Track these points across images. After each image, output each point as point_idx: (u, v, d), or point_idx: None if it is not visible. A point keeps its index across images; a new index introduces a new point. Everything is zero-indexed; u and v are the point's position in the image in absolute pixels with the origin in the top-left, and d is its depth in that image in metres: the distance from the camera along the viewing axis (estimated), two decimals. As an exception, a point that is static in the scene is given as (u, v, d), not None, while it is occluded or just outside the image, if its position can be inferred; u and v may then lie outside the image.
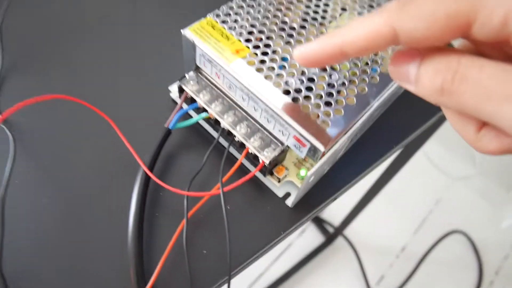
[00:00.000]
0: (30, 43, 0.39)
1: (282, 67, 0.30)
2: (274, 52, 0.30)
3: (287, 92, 0.29)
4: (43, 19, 0.41)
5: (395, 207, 1.12)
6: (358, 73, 0.31)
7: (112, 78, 0.37)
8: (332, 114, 0.28)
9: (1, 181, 0.27)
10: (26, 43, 0.39)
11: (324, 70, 0.30)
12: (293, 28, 0.32)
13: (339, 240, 1.06)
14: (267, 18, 0.32)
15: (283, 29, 0.32)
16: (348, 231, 1.06)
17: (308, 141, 0.27)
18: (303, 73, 0.30)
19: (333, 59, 0.19)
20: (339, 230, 1.03)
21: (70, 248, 0.29)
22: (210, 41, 0.30)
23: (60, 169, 0.32)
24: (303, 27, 0.32)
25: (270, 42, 0.31)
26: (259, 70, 0.29)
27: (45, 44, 0.39)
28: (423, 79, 0.17)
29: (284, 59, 0.30)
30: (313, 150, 0.28)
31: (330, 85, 0.30)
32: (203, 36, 0.31)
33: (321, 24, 0.33)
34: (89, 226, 0.30)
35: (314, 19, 0.33)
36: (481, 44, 0.17)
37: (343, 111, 0.28)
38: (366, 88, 0.30)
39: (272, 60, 0.30)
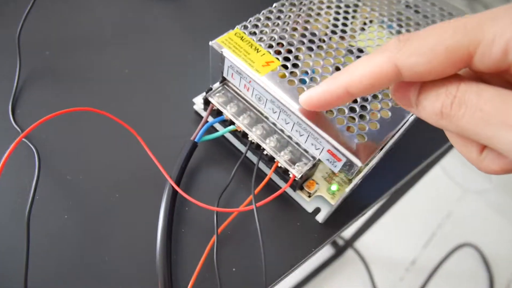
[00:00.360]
0: (48, 54, 0.38)
1: (313, 79, 0.29)
2: (304, 64, 0.30)
3: (320, 105, 0.28)
4: (61, 29, 0.40)
5: (405, 219, 1.11)
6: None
7: (134, 90, 0.37)
8: (367, 128, 0.27)
9: (26, 198, 0.26)
10: (44, 54, 0.38)
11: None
12: (323, 40, 0.32)
13: (349, 253, 1.05)
14: (296, 30, 0.32)
15: (312, 41, 0.31)
16: (359, 244, 1.05)
17: (344, 155, 0.26)
18: (335, 85, 0.29)
19: (339, 100, 0.20)
20: (350, 243, 1.01)
21: (94, 267, 0.28)
22: (240, 53, 0.30)
23: (83, 184, 0.31)
24: (331, 38, 0.32)
25: (300, 54, 0.30)
26: (290, 82, 0.29)
27: (64, 55, 0.38)
28: (424, 103, 0.17)
29: (314, 71, 0.29)
30: (348, 165, 0.27)
31: (363, 98, 0.29)
32: (232, 48, 0.30)
33: (351, 36, 0.32)
34: (113, 243, 0.29)
35: (343, 31, 0.32)
36: (482, 72, 0.17)
37: (378, 125, 0.28)
38: (400, 101, 0.29)
39: (302, 72, 0.29)
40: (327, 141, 0.27)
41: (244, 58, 0.29)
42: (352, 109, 0.28)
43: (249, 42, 0.30)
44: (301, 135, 0.29)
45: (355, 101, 0.28)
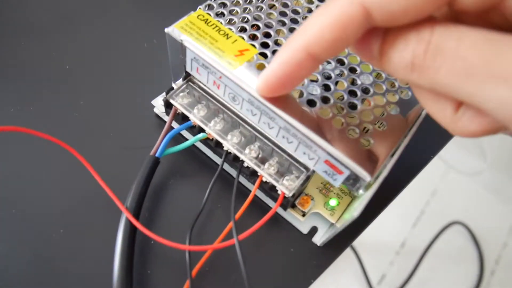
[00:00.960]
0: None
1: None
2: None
3: (311, 103, 0.22)
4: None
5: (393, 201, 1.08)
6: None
7: (77, 92, 0.30)
8: (372, 129, 0.21)
9: None
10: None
11: (352, 71, 0.24)
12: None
13: (337, 241, 1.01)
14: (273, 7, 0.25)
15: (294, 20, 0.25)
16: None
17: (346, 167, 0.21)
18: (328, 77, 0.23)
19: (302, 69, 0.16)
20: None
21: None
22: (205, 41, 0.23)
23: (17, 220, 0.24)
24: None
25: (281, 38, 0.24)
26: (272, 75, 0.22)
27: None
28: (390, 53, 0.14)
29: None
30: (353, 179, 0.21)
31: (363, 90, 0.23)
32: (195, 35, 0.23)
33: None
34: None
35: None
36: (464, 13, 0.14)
37: (386, 124, 0.22)
38: (410, 93, 0.23)
39: (287, 61, 0.23)
40: (324, 150, 0.21)
41: (210, 47, 0.23)
42: (352, 106, 0.22)
43: (216, 26, 0.24)
44: (289, 142, 0.23)
45: (354, 95, 0.23)
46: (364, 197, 0.21)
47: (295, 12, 0.25)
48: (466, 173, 1.18)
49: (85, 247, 0.24)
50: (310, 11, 0.26)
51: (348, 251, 1.00)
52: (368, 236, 1.03)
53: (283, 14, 0.25)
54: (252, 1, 0.25)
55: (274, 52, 0.23)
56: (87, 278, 0.23)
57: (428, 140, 0.30)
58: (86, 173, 0.23)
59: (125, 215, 0.22)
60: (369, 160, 0.20)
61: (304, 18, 0.25)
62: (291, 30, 0.25)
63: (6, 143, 0.26)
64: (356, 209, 0.21)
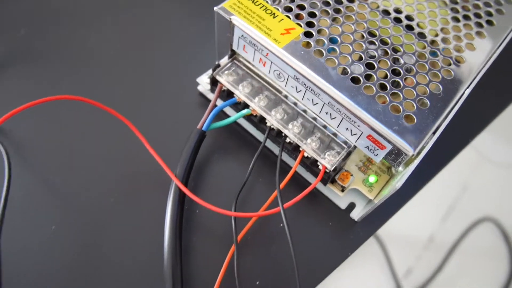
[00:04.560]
0: (23, 33, 0.32)
1: (344, 49, 0.23)
2: (332, 30, 0.24)
3: (356, 80, 0.22)
4: (37, 5, 0.34)
5: (420, 193, 1.06)
6: (438, 54, 0.24)
7: (126, 71, 0.31)
8: (416, 107, 0.22)
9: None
10: (18, 33, 0.32)
11: (395, 51, 0.24)
12: (351, 0, 0.26)
13: (363, 233, 1.01)
14: (318, -12, 0.26)
15: (339, 1, 0.26)
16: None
17: (389, 142, 0.21)
18: (372, 56, 0.24)
19: None
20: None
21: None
22: (253, 20, 0.24)
23: (69, 188, 0.26)
24: (364, -3, 0.26)
25: (327, 18, 0.25)
26: (317, 53, 0.23)
27: (41, 34, 0.32)
28: None
29: (343, 38, 0.24)
30: (395, 154, 0.22)
31: (406, 69, 0.23)
32: (243, 13, 0.24)
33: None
34: (111, 256, 0.24)
35: None
36: None
37: (428, 102, 0.22)
38: (453, 72, 0.24)
39: (331, 40, 0.24)
40: (368, 125, 0.21)
41: (258, 26, 0.24)
42: (395, 84, 0.23)
43: (262, 6, 0.25)
44: (332, 118, 0.23)
45: (397, 73, 0.23)
46: (407, 170, 0.22)
47: (340, -7, 0.26)
48: (502, 165, 1.14)
49: (135, 215, 0.25)
50: (354, -8, 0.26)
51: (373, 243, 1.00)
52: (394, 228, 1.03)
53: (327, -5, 0.26)
54: (298, -18, 0.26)
55: (319, 31, 0.24)
56: (138, 244, 0.24)
57: (461, 126, 0.30)
58: (138, 144, 0.25)
59: (175, 182, 0.23)
60: (412, 136, 0.21)
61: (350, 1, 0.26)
62: (336, 10, 0.25)
63: (63, 111, 0.28)
64: (399, 181, 0.21)
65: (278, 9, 0.25)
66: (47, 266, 0.23)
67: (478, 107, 0.31)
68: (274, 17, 0.24)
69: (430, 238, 1.04)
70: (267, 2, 0.25)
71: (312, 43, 0.23)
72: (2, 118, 0.22)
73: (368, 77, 0.23)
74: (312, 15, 0.25)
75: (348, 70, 0.23)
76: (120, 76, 0.31)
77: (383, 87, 0.22)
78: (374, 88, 0.22)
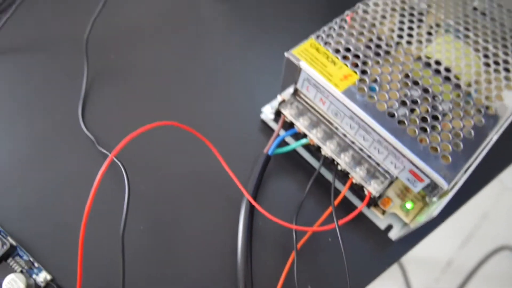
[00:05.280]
0: (114, 57, 0.38)
1: (392, 95, 0.28)
2: (382, 77, 0.29)
3: (401, 123, 0.27)
4: (127, 30, 0.40)
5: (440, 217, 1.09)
6: (471, 103, 0.29)
7: (204, 97, 0.37)
8: (451, 148, 0.26)
9: (120, 217, 0.26)
10: (109, 57, 0.38)
11: (435, 98, 0.29)
12: (390, 46, 0.31)
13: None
14: (371, 40, 0.31)
15: (388, 52, 0.30)
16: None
17: (428, 176, 0.26)
18: (415, 101, 0.28)
19: None
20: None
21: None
22: (317, 66, 0.29)
23: (158, 197, 0.31)
24: (399, 44, 0.31)
25: (378, 68, 0.29)
26: (370, 98, 0.28)
27: (129, 59, 0.38)
28: None
29: (390, 85, 0.29)
30: (432, 187, 0.26)
31: (443, 114, 0.28)
32: (309, 60, 0.29)
33: (418, 41, 0.31)
34: (190, 261, 0.29)
35: (410, 35, 0.31)
36: None
37: (461, 145, 0.27)
38: (483, 120, 0.28)
39: (382, 87, 0.28)
40: (411, 161, 0.26)
41: (321, 71, 0.29)
42: (434, 128, 0.27)
43: (325, 54, 0.30)
44: (380, 153, 0.28)
45: (436, 118, 0.28)
46: (442, 200, 0.26)
47: (388, 45, 0.31)
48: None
49: (210, 223, 0.30)
50: (398, 44, 0.31)
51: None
52: (414, 250, 1.05)
53: (378, 46, 0.31)
54: (353, 34, 0.31)
55: (371, 78, 0.29)
56: (212, 247, 0.29)
57: (489, 163, 0.34)
58: (214, 163, 0.30)
59: (247, 197, 0.28)
60: (447, 173, 0.25)
61: (396, 51, 0.31)
62: (386, 61, 0.30)
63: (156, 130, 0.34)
64: (435, 210, 0.26)
65: (338, 57, 0.30)
66: (137, 262, 0.28)
67: (505, 146, 0.35)
68: (334, 64, 0.29)
69: (449, 263, 1.06)
70: (328, 50, 0.30)
71: (365, 89, 0.28)
72: (123, 142, 0.26)
73: (411, 120, 0.27)
74: (365, 63, 0.30)
75: (395, 113, 0.27)
76: (201, 102, 0.36)
77: (423, 130, 0.27)
78: (417, 130, 0.27)
